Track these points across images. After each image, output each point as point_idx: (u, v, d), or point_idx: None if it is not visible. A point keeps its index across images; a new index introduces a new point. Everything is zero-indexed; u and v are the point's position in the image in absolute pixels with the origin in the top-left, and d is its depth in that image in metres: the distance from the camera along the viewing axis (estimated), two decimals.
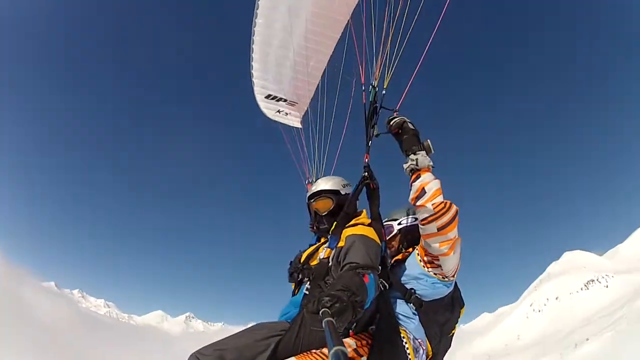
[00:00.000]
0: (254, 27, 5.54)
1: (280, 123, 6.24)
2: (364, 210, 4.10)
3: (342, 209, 3.94)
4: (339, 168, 5.58)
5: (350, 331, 3.27)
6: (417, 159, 3.41)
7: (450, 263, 3.40)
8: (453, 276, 3.53)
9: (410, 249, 3.95)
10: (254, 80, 5.92)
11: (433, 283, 3.51)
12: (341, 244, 3.56)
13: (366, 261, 3.18)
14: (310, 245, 4.13)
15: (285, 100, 5.88)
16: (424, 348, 3.45)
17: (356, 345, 3.14)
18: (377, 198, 3.99)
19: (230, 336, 3.27)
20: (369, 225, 3.79)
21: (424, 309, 3.50)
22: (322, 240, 4.02)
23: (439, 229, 3.21)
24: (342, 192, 4.11)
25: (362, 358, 3.09)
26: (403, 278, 3.63)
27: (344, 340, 3.13)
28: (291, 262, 4.05)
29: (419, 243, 3.73)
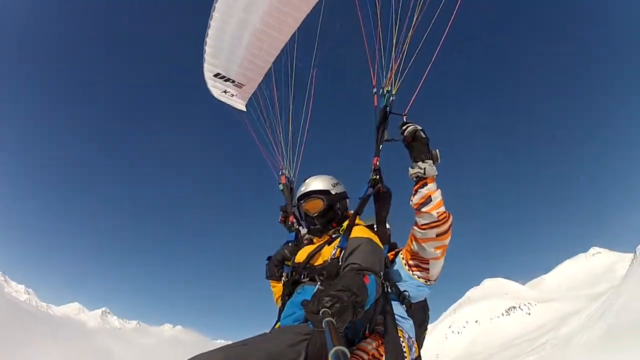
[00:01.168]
0: (215, 2, 5.38)
1: (227, 105, 6.05)
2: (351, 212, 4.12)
3: (333, 208, 3.96)
4: (307, 156, 5.47)
5: (367, 333, 3.30)
6: (425, 168, 3.43)
7: (439, 267, 3.62)
8: (435, 280, 3.71)
9: (391, 254, 4.05)
10: (206, 56, 5.75)
11: (417, 286, 3.68)
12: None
13: (368, 263, 3.21)
14: (288, 242, 4.23)
15: (233, 82, 5.75)
16: (415, 347, 3.60)
17: (376, 344, 3.19)
18: (388, 202, 4.01)
19: (260, 339, 3.07)
20: (373, 228, 3.90)
21: (411, 307, 3.67)
22: (320, 240, 3.94)
23: (437, 235, 3.40)
24: (333, 192, 4.05)
25: (383, 358, 3.14)
26: (395, 280, 3.74)
27: (365, 340, 3.21)
28: (269, 257, 4.14)
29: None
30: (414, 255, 3.67)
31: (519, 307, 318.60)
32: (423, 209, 3.39)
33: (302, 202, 4.07)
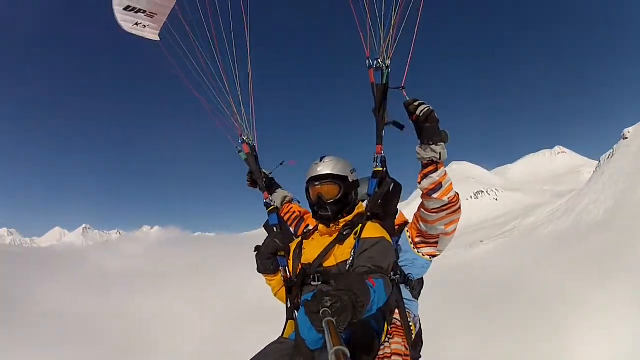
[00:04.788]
0: None
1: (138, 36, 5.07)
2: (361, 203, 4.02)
3: (348, 197, 3.78)
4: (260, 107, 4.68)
5: (390, 328, 3.37)
6: (440, 153, 3.21)
7: (448, 242, 3.65)
8: (440, 253, 3.75)
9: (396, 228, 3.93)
10: None
11: (422, 266, 3.75)
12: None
13: (378, 264, 3.23)
14: (273, 226, 4.13)
15: (144, 12, 4.93)
16: (419, 322, 3.77)
17: (402, 341, 3.33)
18: (397, 197, 3.86)
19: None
20: (382, 221, 3.75)
21: (413, 285, 3.81)
22: (327, 230, 3.77)
23: (448, 215, 3.38)
24: (350, 180, 3.82)
25: (408, 350, 3.31)
26: (400, 262, 3.74)
27: (394, 340, 3.30)
28: (258, 248, 3.94)
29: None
30: (421, 233, 3.63)
31: (487, 192, 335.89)
32: (434, 195, 3.28)
33: (316, 184, 3.78)
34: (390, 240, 3.55)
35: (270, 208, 4.33)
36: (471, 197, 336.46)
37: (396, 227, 3.88)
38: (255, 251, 3.98)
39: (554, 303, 56.75)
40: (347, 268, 3.41)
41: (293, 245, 3.97)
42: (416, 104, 3.22)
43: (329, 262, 3.55)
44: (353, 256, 3.42)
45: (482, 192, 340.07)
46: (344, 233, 3.60)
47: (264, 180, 4.65)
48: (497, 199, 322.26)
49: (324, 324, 2.04)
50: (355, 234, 3.55)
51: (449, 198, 3.31)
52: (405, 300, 3.62)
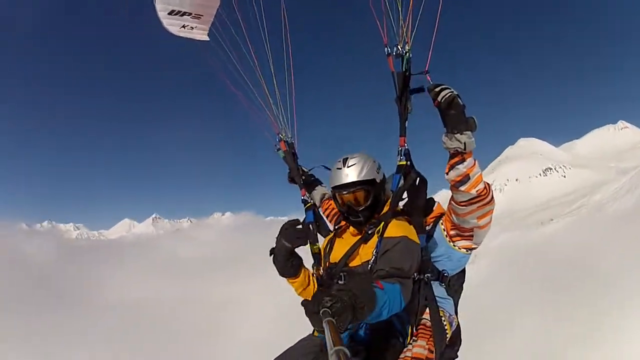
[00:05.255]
0: None
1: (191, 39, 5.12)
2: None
3: (378, 199, 3.67)
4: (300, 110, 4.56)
5: (415, 330, 3.36)
6: (465, 142, 2.94)
7: (484, 234, 3.42)
8: (477, 246, 3.52)
9: (430, 219, 3.76)
10: None
11: (458, 260, 3.56)
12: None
13: (397, 266, 3.15)
14: (309, 224, 4.05)
15: (189, 14, 4.96)
16: (455, 321, 3.69)
17: (425, 342, 3.28)
18: (424, 191, 3.66)
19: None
20: (410, 218, 3.63)
21: (450, 281, 3.62)
22: (354, 232, 3.73)
23: (479, 207, 3.15)
24: (378, 181, 3.67)
25: (432, 353, 3.27)
26: (432, 258, 3.57)
27: (417, 344, 3.26)
28: (272, 252, 3.70)
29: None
30: (454, 225, 3.44)
31: (555, 169, 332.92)
32: (461, 188, 3.09)
33: (344, 192, 3.63)
34: (415, 238, 3.43)
35: (307, 205, 4.29)
36: (540, 175, 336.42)
37: (431, 220, 3.74)
38: (270, 255, 3.75)
39: (620, 282, 56.67)
40: (368, 268, 3.36)
41: (325, 242, 3.96)
42: (438, 89, 3.00)
43: (355, 262, 3.53)
44: (375, 256, 3.38)
45: (551, 169, 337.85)
46: (369, 232, 3.54)
47: (303, 177, 4.62)
48: (565, 176, 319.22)
49: (324, 324, 2.03)
50: (379, 232, 3.47)
51: (477, 191, 3.11)
52: (438, 299, 3.51)
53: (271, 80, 4.61)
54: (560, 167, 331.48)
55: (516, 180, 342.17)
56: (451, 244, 3.51)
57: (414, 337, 3.35)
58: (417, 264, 3.38)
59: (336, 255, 3.71)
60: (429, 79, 3.35)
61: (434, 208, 3.80)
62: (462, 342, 3.75)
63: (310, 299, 2.57)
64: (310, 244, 3.93)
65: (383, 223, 3.50)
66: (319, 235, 4.11)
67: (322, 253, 3.91)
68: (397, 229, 3.44)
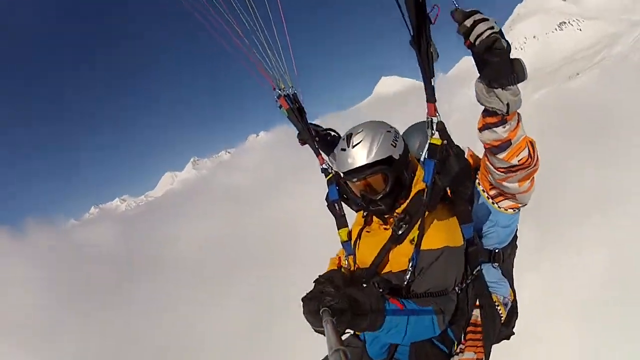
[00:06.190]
0: None
1: None
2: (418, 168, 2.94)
3: (401, 180, 2.86)
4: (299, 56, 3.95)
5: (464, 334, 2.88)
6: (509, 102, 2.14)
7: (530, 194, 2.76)
8: (524, 205, 2.88)
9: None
10: None
11: (508, 221, 2.95)
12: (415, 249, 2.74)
13: (441, 288, 2.69)
14: (333, 202, 3.22)
15: None
16: (510, 298, 3.22)
17: (475, 354, 2.87)
18: (467, 176, 2.72)
19: None
20: (451, 204, 2.80)
21: (503, 255, 3.07)
22: (381, 223, 3.03)
23: (520, 174, 2.52)
24: (396, 156, 2.81)
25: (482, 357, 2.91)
26: (479, 231, 2.99)
27: (464, 357, 2.84)
28: (317, 281, 2.71)
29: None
30: (493, 185, 2.75)
31: (569, 22, 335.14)
32: (499, 155, 2.42)
33: (353, 180, 2.86)
34: (457, 240, 2.76)
35: (329, 176, 3.27)
36: (556, 29, 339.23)
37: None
38: (315, 283, 2.65)
39: None
40: (404, 283, 2.75)
41: (355, 227, 3.24)
42: (470, 22, 1.95)
43: (386, 269, 2.90)
44: (411, 271, 2.72)
45: (565, 22, 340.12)
46: (399, 232, 2.78)
47: (316, 139, 3.46)
48: (580, 29, 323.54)
49: (323, 324, 1.90)
50: (413, 242, 2.74)
51: (519, 160, 2.40)
52: (491, 285, 3.04)
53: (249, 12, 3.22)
54: (574, 21, 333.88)
55: (534, 37, 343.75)
56: (495, 205, 2.83)
57: (461, 346, 2.87)
58: (462, 270, 2.82)
59: (364, 254, 3.01)
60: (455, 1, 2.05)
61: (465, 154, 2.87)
62: (517, 316, 3.38)
63: (309, 295, 2.24)
64: (337, 227, 3.26)
65: (418, 231, 2.71)
66: (347, 212, 3.26)
67: (352, 241, 3.18)
68: (436, 234, 2.72)
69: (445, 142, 2.63)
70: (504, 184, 2.64)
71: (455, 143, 2.72)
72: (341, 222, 3.26)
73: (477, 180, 2.89)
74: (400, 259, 2.82)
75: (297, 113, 3.46)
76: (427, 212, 2.71)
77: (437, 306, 2.60)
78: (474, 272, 2.91)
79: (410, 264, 2.73)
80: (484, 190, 2.85)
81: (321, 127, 3.68)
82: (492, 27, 1.93)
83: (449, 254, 2.72)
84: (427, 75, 2.46)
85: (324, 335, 1.83)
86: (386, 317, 2.35)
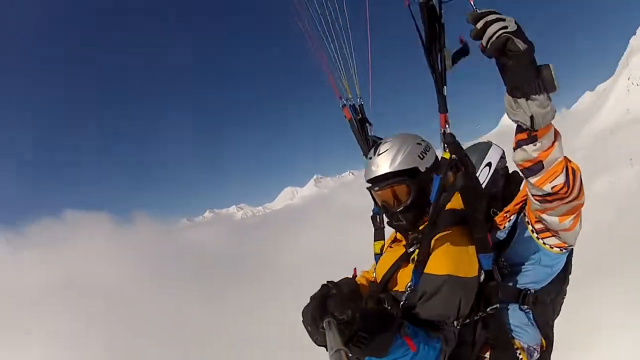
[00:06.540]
0: None
1: None
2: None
3: (425, 193, 2.56)
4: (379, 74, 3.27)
5: None
6: (533, 115, 1.81)
7: (575, 234, 2.40)
8: (571, 246, 2.50)
9: (510, 209, 2.68)
10: None
11: (551, 263, 2.57)
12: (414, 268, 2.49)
13: (442, 318, 2.34)
14: (376, 213, 3.07)
15: None
16: (539, 348, 2.74)
17: None
18: (479, 197, 2.43)
19: None
20: (469, 226, 2.46)
21: (538, 298, 2.67)
22: (399, 246, 2.87)
23: (560, 205, 2.16)
24: (422, 168, 2.63)
25: None
26: (516, 270, 2.65)
27: None
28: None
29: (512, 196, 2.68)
30: (538, 218, 2.37)
31: None
32: (530, 179, 2.09)
33: (375, 189, 2.73)
34: (467, 270, 2.41)
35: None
36: None
37: (517, 207, 2.66)
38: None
39: None
40: (401, 304, 2.51)
41: (386, 245, 3.09)
42: (481, 22, 1.75)
43: (396, 287, 2.68)
44: (408, 291, 2.49)
45: None
46: (409, 250, 2.60)
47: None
48: None
49: (324, 324, 1.77)
50: (413, 260, 2.52)
51: (553, 187, 2.04)
52: (514, 329, 2.64)
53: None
54: None
55: None
56: (540, 241, 2.48)
57: None
58: (471, 303, 2.43)
59: (380, 269, 2.85)
60: (472, 1, 1.85)
61: (520, 188, 2.66)
62: None
63: (313, 306, 2.00)
64: (374, 239, 3.14)
65: (418, 249, 2.48)
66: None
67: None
68: (442, 259, 2.43)
69: (453, 156, 2.42)
70: (543, 216, 2.31)
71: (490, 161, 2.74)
72: (378, 234, 3.15)
73: (524, 212, 2.57)
74: (405, 280, 2.60)
75: (358, 124, 3.34)
76: (437, 233, 2.48)
77: (444, 339, 2.31)
78: (488, 310, 2.52)
79: (409, 285, 2.52)
80: (528, 222, 2.50)
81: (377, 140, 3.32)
82: (506, 27, 1.70)
83: (453, 284, 2.38)
84: (439, 84, 2.34)
85: (318, 344, 1.80)
86: (392, 348, 2.04)
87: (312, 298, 2.05)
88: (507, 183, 3.19)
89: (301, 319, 2.07)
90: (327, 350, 1.59)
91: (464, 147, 2.81)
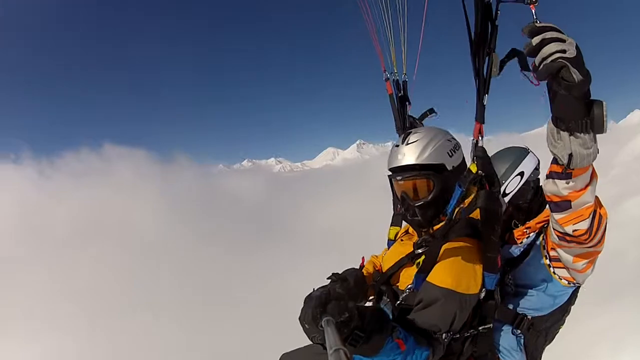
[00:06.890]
0: None
1: None
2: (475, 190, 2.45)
3: (448, 191, 2.49)
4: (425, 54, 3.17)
5: None
6: (573, 153, 1.63)
7: (585, 277, 2.40)
8: (579, 284, 2.48)
9: (532, 226, 2.66)
10: None
11: (556, 294, 2.50)
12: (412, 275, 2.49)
13: (434, 329, 2.20)
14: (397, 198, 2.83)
15: None
16: None
17: None
18: (498, 219, 2.34)
19: None
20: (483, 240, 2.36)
21: (534, 325, 2.59)
22: (413, 235, 2.82)
23: (576, 247, 2.09)
24: (449, 166, 2.55)
25: None
26: (521, 290, 2.58)
27: None
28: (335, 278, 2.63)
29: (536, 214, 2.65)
30: (554, 247, 2.29)
31: None
32: (555, 216, 1.97)
33: (397, 178, 2.63)
34: (469, 287, 2.29)
35: None
36: None
37: (538, 225, 2.62)
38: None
39: None
40: (396, 304, 2.51)
41: (400, 233, 3.07)
42: (538, 39, 1.47)
43: (397, 283, 2.66)
44: (406, 293, 2.48)
45: None
46: (417, 251, 2.52)
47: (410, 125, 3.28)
48: None
49: (323, 323, 1.67)
50: (418, 265, 2.46)
51: (574, 231, 1.94)
52: (502, 350, 2.55)
53: None
54: None
55: None
56: (551, 269, 2.41)
57: None
58: (465, 319, 2.33)
59: (387, 260, 2.83)
60: (533, 9, 1.62)
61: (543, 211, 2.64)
62: None
63: (313, 304, 1.79)
64: (390, 224, 3.16)
65: (425, 255, 2.42)
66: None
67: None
68: (447, 271, 2.31)
69: (480, 172, 2.35)
70: (559, 251, 2.27)
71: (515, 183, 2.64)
72: (396, 220, 3.15)
73: (542, 235, 2.49)
74: (407, 280, 2.57)
75: (397, 101, 3.37)
76: (447, 242, 2.39)
77: (432, 349, 2.18)
78: (480, 329, 2.46)
79: (408, 287, 2.50)
80: (544, 247, 2.44)
81: (418, 122, 3.44)
82: (564, 51, 1.43)
83: (452, 298, 2.27)
84: (481, 91, 2.21)
85: (315, 342, 1.77)
86: (383, 349, 1.94)
87: (310, 297, 1.94)
88: (535, 196, 3.01)
89: (298, 317, 1.95)
90: (323, 349, 1.54)
91: (502, 148, 2.98)
